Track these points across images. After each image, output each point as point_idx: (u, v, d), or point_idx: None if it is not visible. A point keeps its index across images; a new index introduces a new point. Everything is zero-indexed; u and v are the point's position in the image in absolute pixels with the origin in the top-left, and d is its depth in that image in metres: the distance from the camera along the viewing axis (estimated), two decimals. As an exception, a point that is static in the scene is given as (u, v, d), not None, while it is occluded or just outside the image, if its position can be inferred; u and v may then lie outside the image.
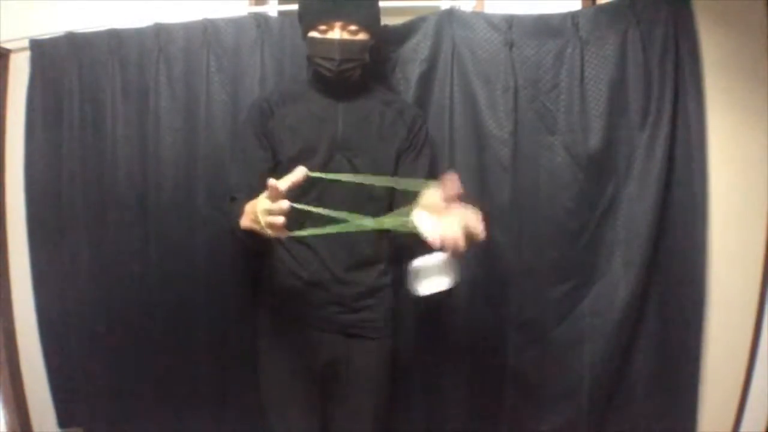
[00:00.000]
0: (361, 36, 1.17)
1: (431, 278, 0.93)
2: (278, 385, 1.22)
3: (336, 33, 1.14)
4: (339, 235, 1.15)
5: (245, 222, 0.97)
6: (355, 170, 1.16)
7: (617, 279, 1.40)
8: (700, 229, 1.40)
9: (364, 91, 1.24)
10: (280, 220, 0.83)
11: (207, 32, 1.50)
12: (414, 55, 1.44)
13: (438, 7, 1.54)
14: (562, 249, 1.42)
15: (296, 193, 1.12)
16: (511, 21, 1.41)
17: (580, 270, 1.43)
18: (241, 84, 1.49)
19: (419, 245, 0.93)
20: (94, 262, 1.60)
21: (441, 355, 1.47)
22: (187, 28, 1.52)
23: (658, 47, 1.38)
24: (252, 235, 0.95)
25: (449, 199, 0.82)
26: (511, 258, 1.43)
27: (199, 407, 1.55)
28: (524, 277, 1.44)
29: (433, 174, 1.22)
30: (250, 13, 1.54)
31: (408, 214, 0.84)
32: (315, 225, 1.16)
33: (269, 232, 0.86)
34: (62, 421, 1.69)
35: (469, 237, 0.80)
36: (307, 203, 1.13)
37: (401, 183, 1.04)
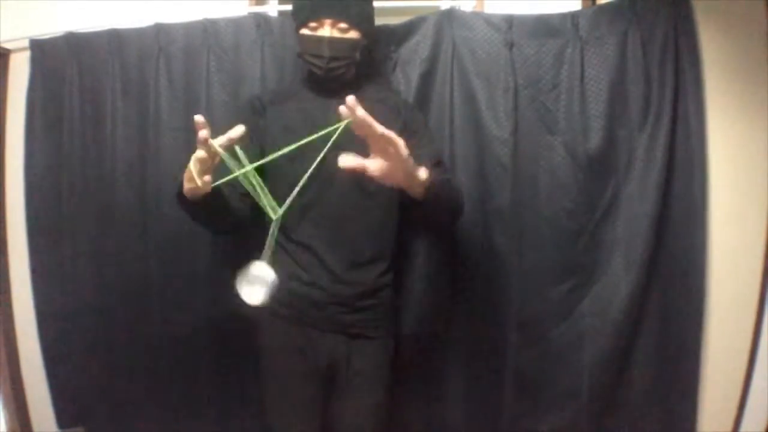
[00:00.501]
0: (352, 34, 1.17)
1: (255, 287, 0.94)
2: (279, 386, 1.22)
3: (326, 30, 1.15)
4: (340, 235, 1.15)
5: (186, 186, 0.97)
6: None
7: (617, 279, 1.40)
8: (700, 229, 1.40)
9: (357, 90, 1.23)
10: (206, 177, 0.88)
11: (207, 32, 1.50)
12: (414, 55, 1.44)
13: (438, 7, 1.55)
14: (562, 249, 1.42)
15: (292, 189, 1.13)
16: (511, 21, 1.41)
17: (580, 270, 1.43)
18: (241, 84, 1.49)
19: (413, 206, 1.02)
20: (94, 262, 1.60)
21: (441, 355, 1.47)
22: (187, 28, 1.52)
23: (658, 47, 1.38)
24: (192, 201, 0.98)
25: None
26: (511, 258, 1.43)
27: (199, 407, 1.55)
28: (524, 277, 1.43)
29: (437, 157, 1.23)
30: (250, 13, 1.55)
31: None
32: (313, 224, 1.17)
33: (199, 183, 0.89)
34: (62, 421, 1.69)
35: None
36: (307, 201, 1.14)
37: None
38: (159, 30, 1.52)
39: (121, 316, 1.58)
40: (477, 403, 1.48)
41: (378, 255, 1.22)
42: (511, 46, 1.41)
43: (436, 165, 1.14)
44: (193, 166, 0.89)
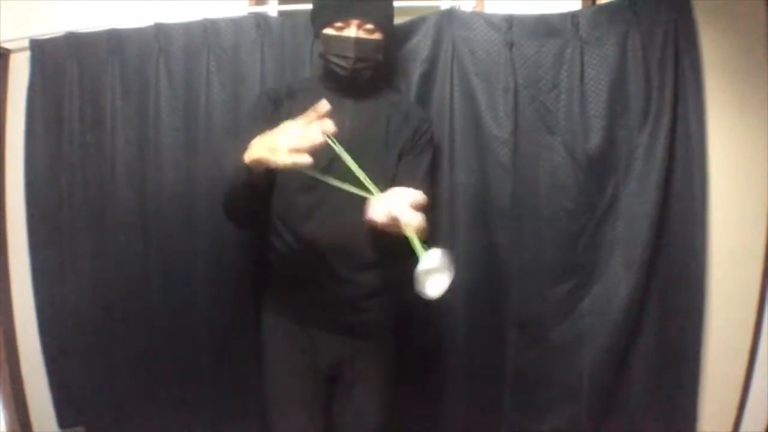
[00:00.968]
0: (377, 36, 1.16)
1: (436, 278, 0.94)
2: (282, 386, 1.22)
3: (352, 31, 1.13)
4: (345, 236, 1.15)
5: (253, 153, 0.89)
6: None
7: (617, 279, 1.40)
8: (700, 229, 1.40)
9: (373, 91, 1.23)
10: (305, 158, 0.80)
11: (207, 32, 1.50)
12: (414, 55, 1.44)
13: (438, 7, 1.55)
14: (562, 249, 1.42)
15: (302, 188, 1.12)
16: (511, 21, 1.41)
17: (580, 270, 1.43)
18: (241, 84, 1.49)
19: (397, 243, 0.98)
20: (94, 261, 1.60)
21: (441, 355, 1.47)
22: (187, 28, 1.52)
23: (658, 47, 1.38)
24: (253, 174, 0.91)
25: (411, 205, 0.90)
26: (511, 258, 1.43)
27: (199, 407, 1.55)
28: (524, 277, 1.43)
29: (428, 176, 1.22)
30: (250, 13, 1.54)
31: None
32: (319, 224, 1.16)
33: (283, 160, 0.82)
34: (62, 421, 1.69)
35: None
36: (313, 201, 1.14)
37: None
38: (159, 30, 1.52)
39: (121, 316, 1.58)
40: (477, 403, 1.48)
41: (382, 256, 1.21)
42: (511, 46, 1.41)
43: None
44: (291, 141, 0.82)
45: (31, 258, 1.67)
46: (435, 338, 1.46)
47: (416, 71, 1.43)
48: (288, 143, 0.82)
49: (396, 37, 1.41)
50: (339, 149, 0.91)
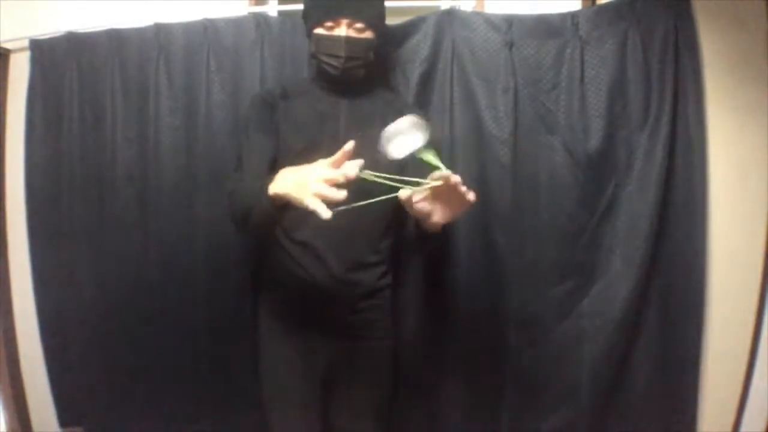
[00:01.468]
0: (367, 35, 1.16)
1: (403, 138, 0.95)
2: (280, 386, 1.22)
3: (342, 30, 1.14)
4: (341, 236, 1.15)
5: (279, 188, 0.90)
6: None
7: (617, 279, 1.40)
8: (700, 229, 1.40)
9: (367, 90, 1.24)
10: (341, 193, 0.79)
11: (207, 32, 1.50)
12: (414, 55, 1.44)
13: (438, 7, 1.55)
14: (562, 249, 1.42)
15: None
16: (511, 21, 1.41)
17: (580, 270, 1.43)
18: (241, 84, 1.49)
19: (423, 239, 1.04)
20: (94, 262, 1.60)
21: (441, 354, 1.47)
22: (187, 28, 1.52)
23: (658, 47, 1.38)
24: (274, 207, 0.91)
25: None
26: (511, 258, 1.43)
27: (198, 407, 1.55)
28: (524, 277, 1.43)
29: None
30: (250, 13, 1.54)
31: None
32: (315, 224, 1.16)
33: (311, 203, 0.80)
34: (62, 421, 1.69)
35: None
36: None
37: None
38: (159, 30, 1.52)
39: (122, 316, 1.58)
40: (477, 403, 1.48)
41: (379, 256, 1.22)
42: (511, 46, 1.41)
43: None
44: (314, 185, 0.82)
45: (31, 258, 1.67)
46: (435, 338, 1.46)
47: (416, 71, 1.43)
48: (318, 184, 0.81)
49: (389, 36, 1.40)
50: (365, 174, 0.90)
